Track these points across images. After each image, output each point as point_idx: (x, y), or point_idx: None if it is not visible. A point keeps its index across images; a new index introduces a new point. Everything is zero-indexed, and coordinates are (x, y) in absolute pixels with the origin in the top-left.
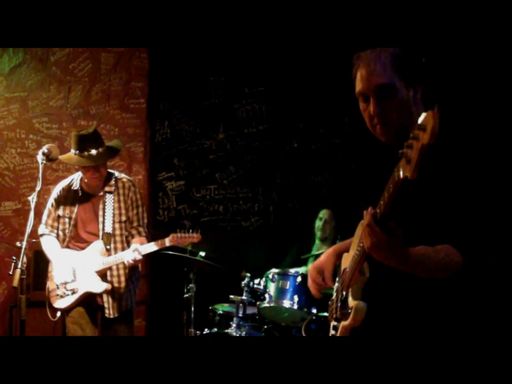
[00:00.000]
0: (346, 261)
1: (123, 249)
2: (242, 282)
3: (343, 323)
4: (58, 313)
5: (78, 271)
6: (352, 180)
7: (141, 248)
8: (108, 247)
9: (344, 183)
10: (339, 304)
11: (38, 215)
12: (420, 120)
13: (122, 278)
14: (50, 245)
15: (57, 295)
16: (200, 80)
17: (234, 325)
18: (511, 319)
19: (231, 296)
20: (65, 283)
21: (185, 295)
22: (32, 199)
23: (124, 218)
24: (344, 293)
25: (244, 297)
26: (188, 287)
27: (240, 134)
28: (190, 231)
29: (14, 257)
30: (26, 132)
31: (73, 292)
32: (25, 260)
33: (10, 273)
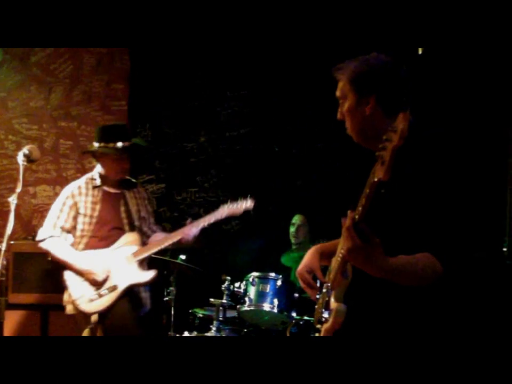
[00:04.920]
0: (333, 264)
1: (143, 242)
2: (223, 286)
3: (325, 325)
4: (93, 317)
5: (114, 267)
6: (333, 184)
7: (203, 219)
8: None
9: (325, 187)
10: (323, 307)
11: (17, 217)
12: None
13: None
14: (64, 248)
15: (90, 299)
16: (182, 82)
17: (214, 328)
18: (489, 321)
19: (211, 300)
20: (100, 283)
21: (165, 298)
22: (13, 200)
23: (143, 214)
24: (328, 295)
25: (223, 301)
26: (168, 290)
27: (221, 137)
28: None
29: None
30: (5, 132)
31: (113, 289)
32: (4, 262)
33: None
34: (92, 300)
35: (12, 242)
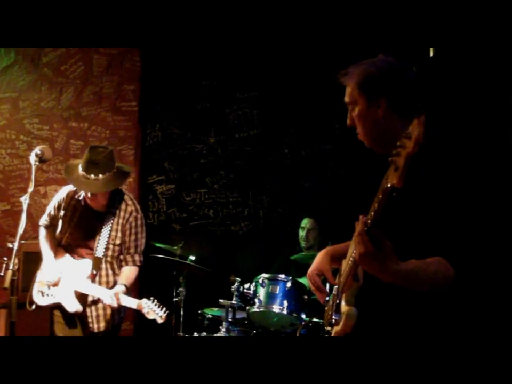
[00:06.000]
0: (344, 266)
1: (113, 271)
2: (232, 287)
3: (336, 328)
4: (34, 306)
5: (63, 280)
6: (341, 186)
7: (121, 298)
8: (95, 272)
9: (333, 189)
10: (334, 309)
11: (28, 217)
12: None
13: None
14: (47, 239)
15: (39, 290)
16: (192, 84)
17: (223, 329)
18: (502, 326)
19: (221, 301)
20: (49, 284)
21: (174, 299)
22: (25, 200)
23: (118, 241)
24: (338, 298)
25: (233, 302)
26: (178, 291)
27: (231, 139)
28: (160, 308)
29: (6, 258)
30: (16, 132)
31: (52, 296)
32: (16, 261)
33: (1, 274)
34: (38, 291)
35: (22, 241)
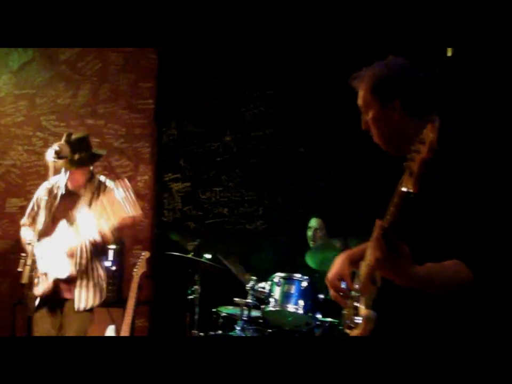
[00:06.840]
0: (362, 269)
1: (88, 253)
2: (247, 286)
3: (354, 331)
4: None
5: (49, 255)
6: (357, 186)
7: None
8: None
9: (349, 189)
10: (353, 312)
11: None
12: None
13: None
14: (28, 235)
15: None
16: (209, 82)
17: (238, 328)
18: None
19: (236, 299)
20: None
21: (189, 297)
22: (44, 197)
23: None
24: (357, 301)
25: (248, 300)
26: (192, 289)
27: (247, 137)
28: None
29: (24, 254)
30: (33, 129)
31: (45, 276)
32: (34, 257)
33: (20, 269)
34: (37, 284)
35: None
